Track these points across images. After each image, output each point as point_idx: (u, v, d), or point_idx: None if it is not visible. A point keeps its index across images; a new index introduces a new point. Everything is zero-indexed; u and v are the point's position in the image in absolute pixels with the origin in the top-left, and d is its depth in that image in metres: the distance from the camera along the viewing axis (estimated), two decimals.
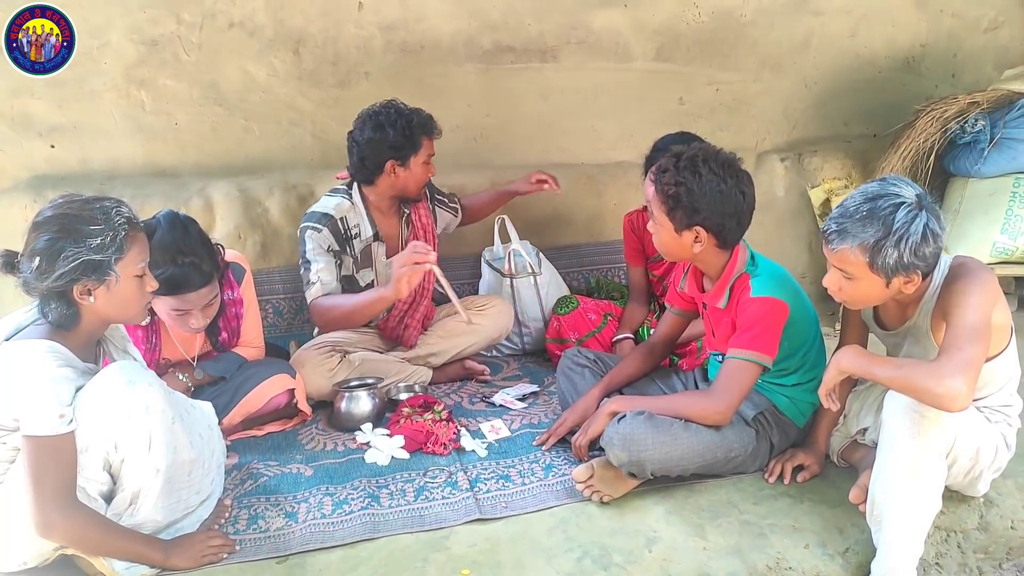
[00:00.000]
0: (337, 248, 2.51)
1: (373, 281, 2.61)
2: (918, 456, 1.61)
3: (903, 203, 1.61)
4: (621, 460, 1.86)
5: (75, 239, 1.54)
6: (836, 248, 1.65)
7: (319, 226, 2.48)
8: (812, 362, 2.05)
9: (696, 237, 1.92)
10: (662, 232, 1.96)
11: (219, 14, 3.05)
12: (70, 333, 1.61)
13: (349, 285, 2.56)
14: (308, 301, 2.46)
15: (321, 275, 2.44)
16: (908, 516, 1.62)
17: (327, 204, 2.56)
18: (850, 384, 1.99)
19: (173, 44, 3.04)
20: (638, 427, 1.86)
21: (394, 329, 2.68)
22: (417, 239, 2.65)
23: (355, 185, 2.61)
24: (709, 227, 1.90)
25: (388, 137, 2.46)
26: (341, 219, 2.53)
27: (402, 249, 2.56)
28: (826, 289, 1.76)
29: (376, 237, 2.60)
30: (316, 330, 2.72)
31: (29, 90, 2.93)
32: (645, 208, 2.77)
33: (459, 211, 2.93)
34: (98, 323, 1.66)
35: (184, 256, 1.97)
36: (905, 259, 1.61)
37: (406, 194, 2.61)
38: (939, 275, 1.71)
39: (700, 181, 1.86)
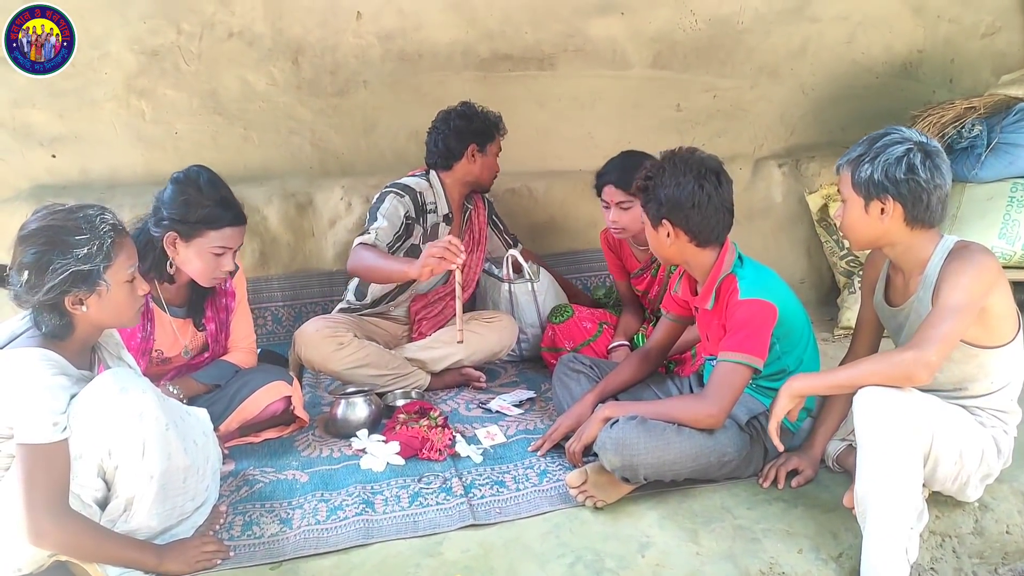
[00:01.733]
0: (414, 216, 2.69)
1: None
2: (890, 449, 1.61)
3: (898, 135, 1.73)
4: (614, 465, 1.86)
5: (61, 251, 1.55)
6: (838, 167, 1.81)
7: (402, 193, 2.68)
8: (806, 366, 2.05)
9: (668, 232, 1.98)
10: (646, 227, 2.05)
11: (218, 24, 3.08)
12: (64, 341, 1.62)
13: (415, 254, 2.63)
14: (357, 243, 2.54)
15: (379, 232, 2.56)
16: (886, 509, 1.61)
17: (407, 180, 2.75)
18: (847, 404, 1.99)
19: (173, 54, 3.07)
20: (631, 432, 1.86)
21: (423, 309, 2.82)
22: (471, 232, 2.90)
23: (431, 172, 2.82)
24: (675, 221, 1.96)
25: (472, 124, 2.76)
26: (420, 193, 2.73)
27: (464, 231, 2.86)
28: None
29: (447, 218, 2.80)
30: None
31: (30, 100, 2.96)
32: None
33: (513, 247, 3.06)
34: (92, 330, 1.67)
35: (229, 196, 2.12)
36: (876, 177, 1.71)
37: (479, 182, 2.84)
38: (942, 250, 1.75)
39: (663, 176, 1.96)
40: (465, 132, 2.74)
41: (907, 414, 1.61)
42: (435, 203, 2.77)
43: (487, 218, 3.00)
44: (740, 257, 2.03)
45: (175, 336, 2.22)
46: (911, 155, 1.69)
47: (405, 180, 2.75)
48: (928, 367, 1.60)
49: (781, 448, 1.81)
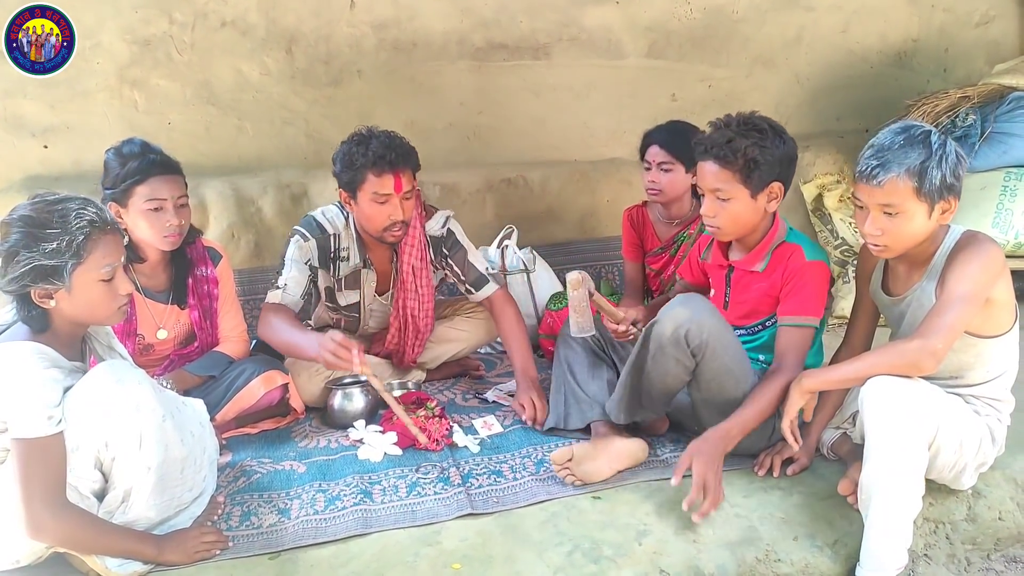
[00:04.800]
0: (317, 265, 2.36)
1: (358, 304, 2.51)
2: (898, 438, 1.62)
3: (931, 130, 1.68)
4: (680, 318, 1.85)
5: (28, 244, 1.53)
6: (883, 180, 1.64)
7: (308, 236, 2.35)
8: (815, 350, 2.07)
9: (771, 194, 1.96)
10: (735, 204, 1.95)
11: (211, 13, 3.06)
12: (50, 333, 1.60)
13: (329, 299, 2.48)
14: (268, 300, 2.32)
15: (289, 283, 2.31)
16: (892, 497, 1.62)
17: (328, 214, 2.41)
18: (842, 393, 2.00)
19: (165, 44, 3.05)
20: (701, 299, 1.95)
21: (394, 350, 2.61)
22: (404, 286, 2.47)
23: None
24: (786, 179, 1.97)
25: (335, 164, 2.32)
26: (334, 235, 2.39)
27: (392, 289, 2.49)
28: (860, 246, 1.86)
29: (365, 265, 2.46)
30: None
31: (22, 90, 2.94)
32: (645, 203, 2.79)
33: (472, 293, 2.58)
34: (69, 324, 1.64)
35: (151, 152, 2.14)
36: (948, 179, 1.65)
37: (368, 232, 2.36)
38: (950, 240, 1.74)
39: (766, 137, 1.91)
40: (335, 173, 2.32)
41: (915, 404, 1.62)
42: (348, 249, 2.40)
43: (433, 260, 2.51)
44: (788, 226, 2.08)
45: (152, 320, 2.22)
46: (956, 147, 1.67)
47: (322, 216, 2.38)
48: (934, 356, 1.62)
49: (797, 446, 1.82)
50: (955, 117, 3.32)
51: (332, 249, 2.39)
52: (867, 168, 1.67)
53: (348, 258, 2.42)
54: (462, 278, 2.54)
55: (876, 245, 1.73)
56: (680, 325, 1.85)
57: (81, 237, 1.55)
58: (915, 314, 1.80)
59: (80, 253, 1.55)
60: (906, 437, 1.62)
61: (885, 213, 1.68)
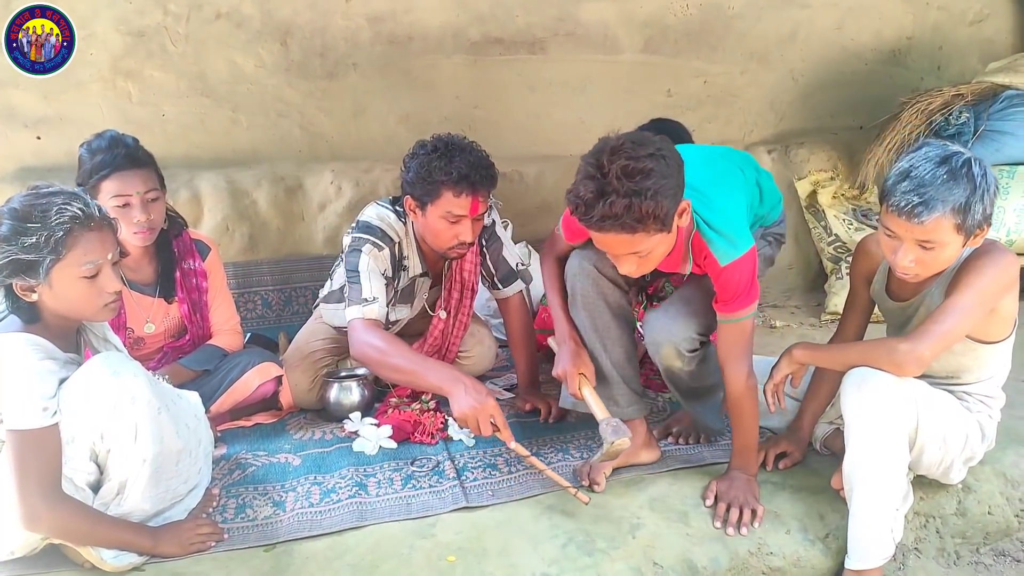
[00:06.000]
0: (390, 276, 2.23)
1: (405, 319, 2.44)
2: (876, 429, 1.64)
3: (970, 159, 1.62)
4: (662, 341, 1.88)
5: (9, 237, 1.51)
6: (926, 219, 1.58)
7: (381, 244, 2.19)
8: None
9: (681, 213, 1.68)
10: (657, 250, 1.70)
11: (206, 5, 3.05)
12: (42, 325, 1.59)
13: None
14: (357, 317, 2.10)
15: (378, 296, 2.11)
16: (871, 488, 1.65)
17: (386, 219, 2.24)
18: (835, 387, 2.01)
19: (160, 35, 3.03)
20: (658, 313, 1.93)
21: (438, 352, 2.48)
22: (451, 291, 2.42)
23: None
24: (684, 192, 1.69)
25: (409, 168, 2.14)
26: (398, 244, 2.25)
27: (443, 286, 2.42)
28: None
29: (425, 274, 2.36)
30: (307, 323, 2.66)
31: (15, 81, 2.91)
32: None
33: (494, 286, 2.48)
34: (58, 318, 1.62)
35: (119, 146, 2.07)
36: (987, 210, 1.62)
37: (428, 244, 2.25)
38: (966, 250, 1.72)
39: (657, 177, 1.57)
40: (404, 177, 2.16)
41: (893, 395, 1.65)
42: (408, 258, 2.30)
43: (481, 255, 2.41)
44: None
45: (139, 313, 2.21)
46: (993, 173, 1.64)
47: (381, 221, 2.22)
48: (919, 361, 1.62)
49: (773, 409, 1.84)
50: (948, 115, 3.34)
51: (398, 257, 2.26)
52: (907, 204, 1.59)
53: (408, 267, 2.30)
54: (493, 271, 2.43)
55: (907, 274, 1.70)
56: (676, 345, 1.88)
57: (60, 233, 1.52)
58: (921, 318, 1.79)
59: (58, 249, 1.53)
60: (883, 428, 1.64)
61: (922, 247, 1.64)
